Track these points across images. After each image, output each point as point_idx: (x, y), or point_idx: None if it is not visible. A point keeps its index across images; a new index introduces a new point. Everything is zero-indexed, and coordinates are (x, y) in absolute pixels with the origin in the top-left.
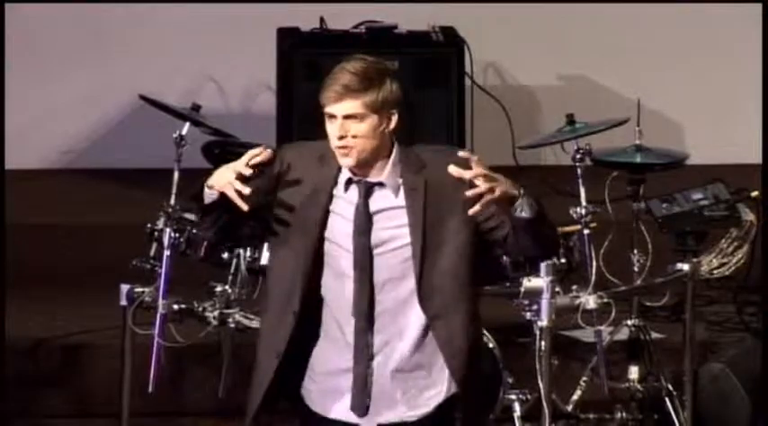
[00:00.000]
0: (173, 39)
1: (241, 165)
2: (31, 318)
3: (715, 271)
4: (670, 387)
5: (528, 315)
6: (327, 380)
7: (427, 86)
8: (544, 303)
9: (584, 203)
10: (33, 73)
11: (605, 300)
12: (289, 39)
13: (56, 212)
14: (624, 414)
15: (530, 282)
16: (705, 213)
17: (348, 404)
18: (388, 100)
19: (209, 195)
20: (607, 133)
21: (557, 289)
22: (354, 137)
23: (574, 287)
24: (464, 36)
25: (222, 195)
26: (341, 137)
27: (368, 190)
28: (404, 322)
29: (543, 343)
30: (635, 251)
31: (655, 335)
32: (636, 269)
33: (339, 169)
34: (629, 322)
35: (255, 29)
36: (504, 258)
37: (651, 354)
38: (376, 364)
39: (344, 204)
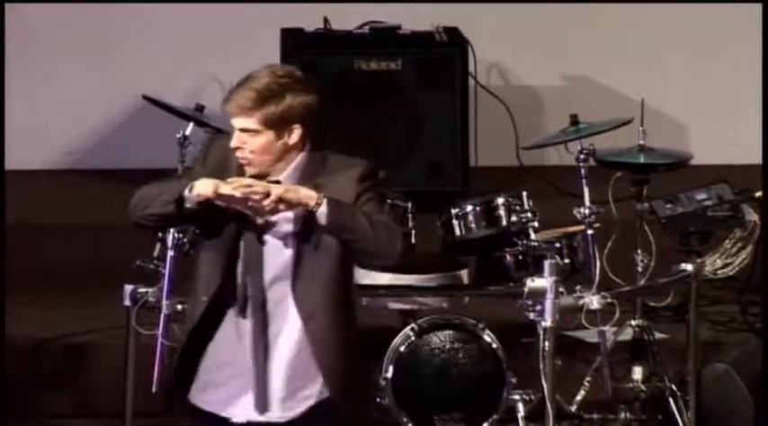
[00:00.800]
0: (176, 40)
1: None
2: (34, 318)
3: (719, 272)
4: (674, 387)
5: (531, 316)
6: (222, 378)
7: (431, 86)
8: (548, 303)
9: (587, 203)
10: (36, 73)
11: (609, 300)
12: (292, 40)
13: (59, 212)
14: (628, 414)
15: (533, 282)
16: (709, 213)
17: (224, 399)
18: (287, 115)
19: (190, 200)
20: (611, 133)
21: (560, 290)
22: (251, 151)
23: (577, 287)
24: (468, 36)
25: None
26: (237, 149)
27: None
28: (285, 321)
29: (547, 343)
30: (639, 251)
31: (658, 335)
32: (640, 269)
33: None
34: (632, 322)
35: (259, 29)
36: (508, 258)
37: (655, 354)
38: (253, 362)
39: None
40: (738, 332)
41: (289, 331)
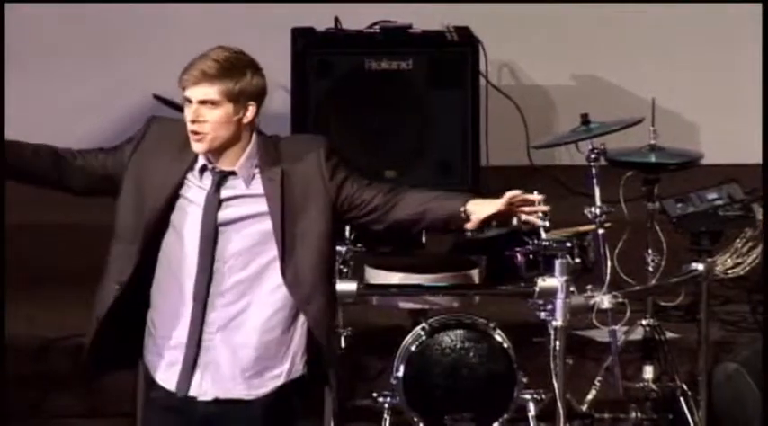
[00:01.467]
0: (187, 39)
1: None
2: (41, 318)
3: (730, 271)
4: (684, 387)
5: (542, 315)
6: (170, 353)
7: (441, 86)
8: (559, 303)
9: (598, 203)
10: (46, 73)
11: (620, 300)
12: (303, 39)
13: (71, 211)
14: (639, 414)
15: (544, 282)
16: (720, 213)
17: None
18: (246, 91)
19: None
20: (622, 133)
21: (571, 289)
22: (206, 122)
23: (588, 286)
24: (479, 35)
25: None
26: (193, 122)
27: (221, 179)
28: (251, 300)
29: (558, 343)
30: (650, 251)
31: (669, 335)
32: (650, 269)
33: (197, 157)
34: (643, 322)
35: (270, 29)
36: (519, 257)
37: (666, 354)
38: (217, 340)
39: (198, 190)
40: (749, 331)
41: (256, 312)
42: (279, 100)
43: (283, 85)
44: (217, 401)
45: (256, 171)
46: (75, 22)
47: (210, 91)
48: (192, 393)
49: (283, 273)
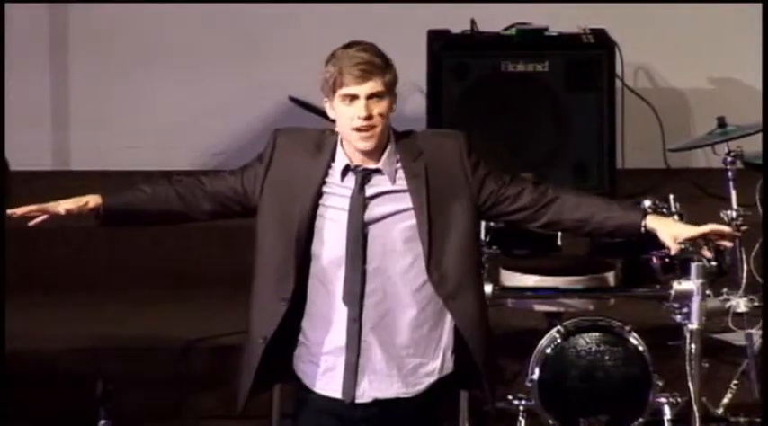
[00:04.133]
0: (322, 40)
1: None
2: (184, 320)
3: None
4: None
5: (678, 318)
6: (325, 359)
7: (578, 89)
8: (695, 306)
9: (734, 206)
10: (184, 74)
11: (756, 303)
12: (439, 42)
13: None
14: None
15: (680, 285)
16: None
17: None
18: (395, 82)
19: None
20: (758, 136)
21: (707, 292)
22: (380, 115)
23: (724, 290)
24: (615, 38)
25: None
26: (368, 117)
27: (364, 178)
28: (400, 299)
29: (693, 346)
30: None
31: None
32: None
33: (333, 157)
34: None
35: (406, 30)
36: (654, 260)
37: None
38: (372, 341)
39: (340, 192)
40: None
41: (404, 309)
42: (415, 102)
43: (419, 87)
44: (377, 402)
45: (398, 165)
46: (213, 23)
47: (378, 83)
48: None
49: (428, 270)
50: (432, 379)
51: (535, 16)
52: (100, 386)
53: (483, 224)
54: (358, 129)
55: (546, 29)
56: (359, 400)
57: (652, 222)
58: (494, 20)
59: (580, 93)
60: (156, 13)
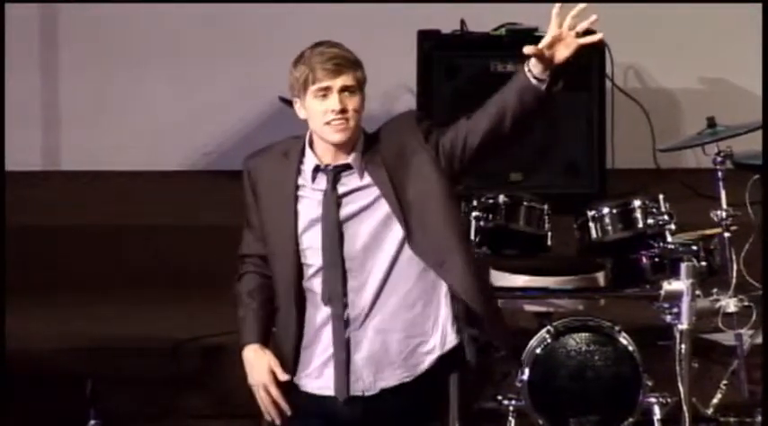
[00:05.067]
0: (311, 41)
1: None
2: (170, 319)
3: None
4: None
5: (668, 318)
6: (324, 360)
7: (567, 89)
8: (684, 306)
9: (724, 206)
10: (174, 75)
11: (746, 303)
12: (429, 42)
13: (199, 213)
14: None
15: (670, 285)
16: None
17: (353, 378)
18: (365, 81)
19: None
20: (748, 136)
21: (697, 292)
22: (354, 110)
23: (714, 290)
24: (605, 38)
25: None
26: (343, 110)
27: (335, 176)
28: (386, 284)
29: (683, 346)
30: None
31: None
32: None
33: (301, 160)
34: None
35: (396, 30)
36: (644, 260)
37: None
38: (365, 334)
39: (312, 195)
40: None
41: (393, 293)
42: (405, 101)
43: (409, 87)
44: (382, 391)
45: (364, 160)
46: (205, 23)
47: (350, 77)
48: (356, 392)
49: (412, 243)
50: (433, 357)
51: (525, 16)
52: (89, 386)
53: (473, 224)
54: (331, 123)
55: (536, 29)
56: (368, 393)
57: (530, 61)
58: (484, 20)
59: (570, 93)
60: (147, 13)
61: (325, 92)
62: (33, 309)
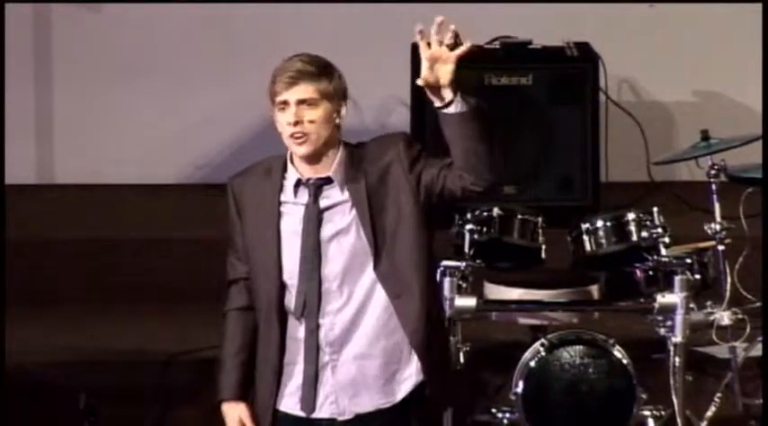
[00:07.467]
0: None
1: None
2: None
3: None
4: None
5: (662, 331)
6: (290, 379)
7: (561, 102)
8: (678, 319)
9: (718, 219)
10: (168, 89)
11: (740, 316)
12: None
13: (192, 227)
14: None
15: (664, 298)
16: None
17: (329, 400)
18: (338, 89)
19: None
20: (742, 149)
21: (691, 305)
22: (311, 122)
23: (708, 303)
24: (599, 51)
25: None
26: (296, 123)
27: (317, 190)
28: (366, 310)
29: (677, 359)
30: None
31: None
32: None
33: (283, 176)
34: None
35: (390, 44)
36: (638, 273)
37: None
38: (343, 358)
39: (294, 210)
40: None
41: (373, 319)
42: (398, 114)
43: (403, 100)
44: (358, 417)
45: (347, 175)
46: (198, 37)
47: (309, 89)
48: (329, 414)
49: (376, 268)
50: (411, 382)
51: (519, 30)
52: (83, 400)
53: (467, 236)
54: (292, 136)
55: (530, 42)
56: (341, 418)
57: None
58: (478, 33)
59: (564, 107)
60: (140, 27)
61: (283, 105)
62: (26, 322)
